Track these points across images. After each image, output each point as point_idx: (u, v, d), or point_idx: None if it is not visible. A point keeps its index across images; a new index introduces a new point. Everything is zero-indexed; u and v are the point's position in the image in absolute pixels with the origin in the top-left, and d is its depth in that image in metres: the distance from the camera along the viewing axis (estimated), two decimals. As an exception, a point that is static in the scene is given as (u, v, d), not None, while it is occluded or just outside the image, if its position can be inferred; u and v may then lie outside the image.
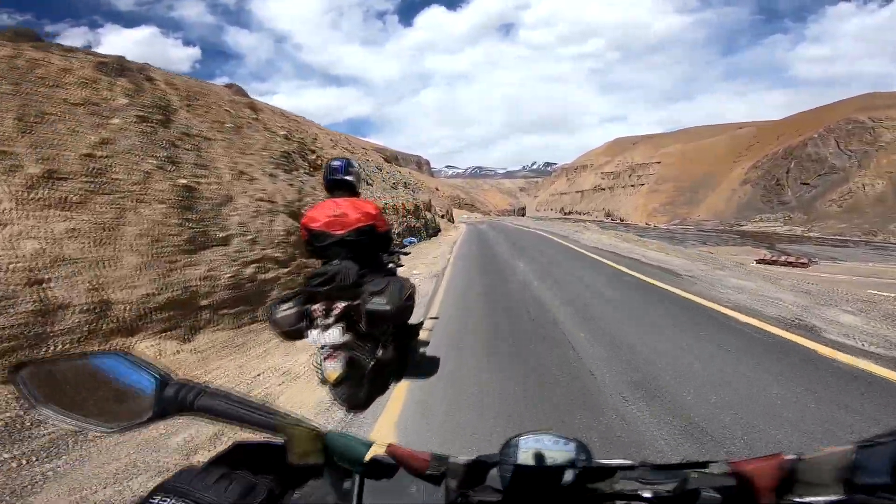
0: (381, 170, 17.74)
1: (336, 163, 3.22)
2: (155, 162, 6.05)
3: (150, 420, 0.53)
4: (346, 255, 2.94)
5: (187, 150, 6.83)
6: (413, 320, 6.15)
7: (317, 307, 2.71)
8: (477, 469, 0.47)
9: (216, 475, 0.48)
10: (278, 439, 0.51)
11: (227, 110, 8.63)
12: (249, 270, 6.19)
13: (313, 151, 12.04)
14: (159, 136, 6.52)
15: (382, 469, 0.49)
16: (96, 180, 5.53)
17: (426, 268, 11.38)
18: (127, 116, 6.24)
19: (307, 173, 10.41)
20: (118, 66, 6.59)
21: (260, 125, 9.27)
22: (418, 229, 20.54)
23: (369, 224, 3.03)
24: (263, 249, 6.68)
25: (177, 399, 0.53)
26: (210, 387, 0.55)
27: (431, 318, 5.97)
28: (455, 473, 0.47)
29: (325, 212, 3.02)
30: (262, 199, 7.35)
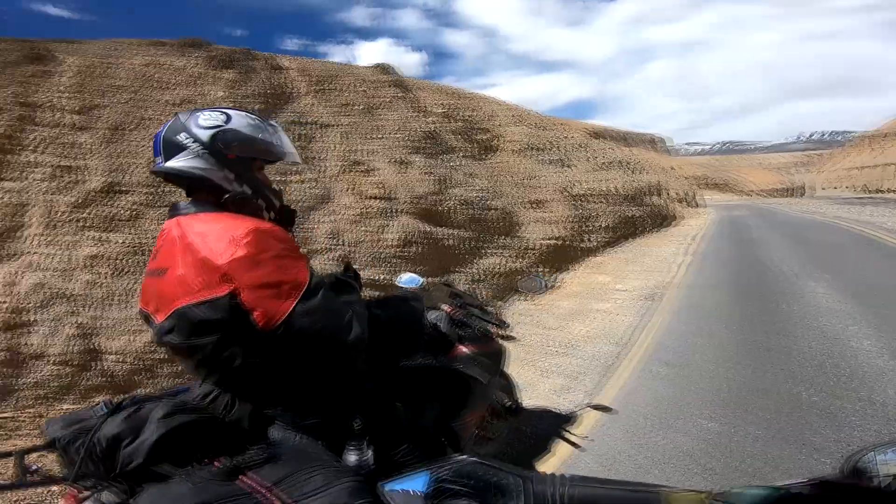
0: (585, 148, 14.22)
1: (159, 133, 1.17)
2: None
3: None
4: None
5: (285, 140, 5.46)
6: (564, 406, 2.95)
7: None
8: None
9: None
10: None
11: (362, 91, 7.15)
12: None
13: (486, 130, 9.72)
14: (251, 126, 5.29)
15: None
16: (157, 191, 4.50)
17: (640, 280, 7.54)
18: (217, 109, 5.20)
19: (469, 156, 8.14)
20: (226, 59, 5.65)
21: (405, 104, 7.51)
22: (640, 220, 15.97)
23: (210, 299, 0.95)
24: (358, 270, 4.67)
25: (552, 495, 0.53)
26: (572, 476, 0.54)
27: (595, 409, 2.58)
28: None
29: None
30: (374, 197, 5.41)
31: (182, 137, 1.12)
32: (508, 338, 2.29)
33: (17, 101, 4.65)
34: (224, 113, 1.16)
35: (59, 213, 4.22)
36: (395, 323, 1.37)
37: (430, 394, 1.51)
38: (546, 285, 2.39)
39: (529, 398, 3.19)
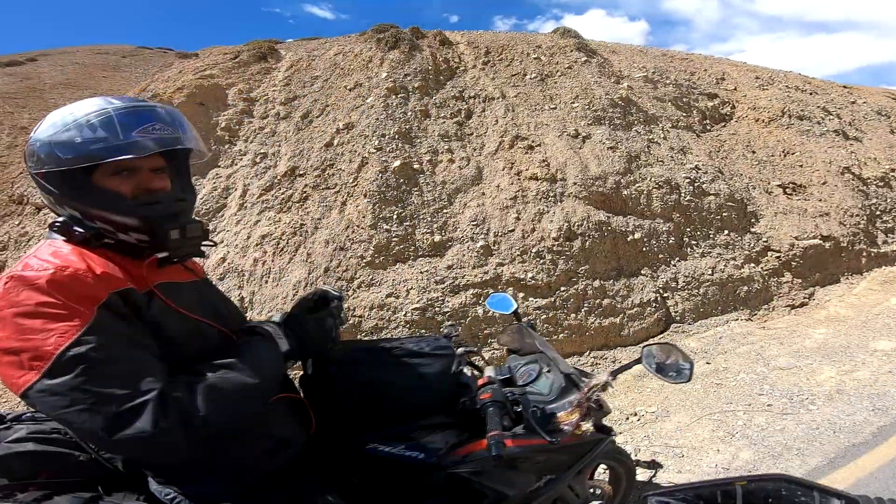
0: (887, 115, 9.85)
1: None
2: (376, 143, 4.52)
3: None
4: None
5: (441, 118, 4.96)
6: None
7: None
8: None
9: None
10: None
11: (535, 59, 6.14)
12: (457, 301, 3.55)
13: (713, 95, 7.39)
14: (409, 105, 4.98)
15: None
16: (325, 173, 4.62)
17: None
18: (379, 92, 5.09)
19: (682, 127, 6.23)
20: (392, 39, 5.59)
21: (589, 69, 6.14)
22: None
23: None
24: (502, 264, 3.81)
25: None
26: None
27: None
28: None
29: None
30: (535, 178, 4.41)
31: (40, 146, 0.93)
32: (602, 429, 1.22)
33: (241, 96, 5.51)
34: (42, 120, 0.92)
35: (251, 196, 4.76)
36: (374, 386, 1.16)
37: (416, 490, 1.14)
38: (691, 376, 1.29)
39: (677, 471, 2.25)
